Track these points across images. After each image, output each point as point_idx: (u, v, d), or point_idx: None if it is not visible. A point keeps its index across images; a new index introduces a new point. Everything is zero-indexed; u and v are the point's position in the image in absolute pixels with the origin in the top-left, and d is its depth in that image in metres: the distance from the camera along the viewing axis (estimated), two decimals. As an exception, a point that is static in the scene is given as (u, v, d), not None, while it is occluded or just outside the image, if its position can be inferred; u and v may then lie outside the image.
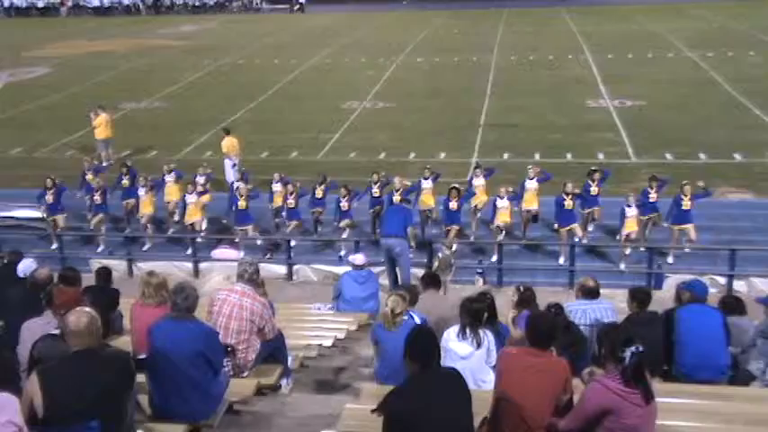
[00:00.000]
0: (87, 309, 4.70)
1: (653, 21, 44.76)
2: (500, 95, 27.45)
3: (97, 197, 15.52)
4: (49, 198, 15.40)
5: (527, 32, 43.00)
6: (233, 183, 16.69)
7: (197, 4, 65.19)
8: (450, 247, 12.59)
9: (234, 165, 17.84)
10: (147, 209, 15.55)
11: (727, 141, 20.50)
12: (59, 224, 15.60)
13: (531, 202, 14.63)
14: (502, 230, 14.34)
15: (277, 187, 15.48)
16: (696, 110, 24.19)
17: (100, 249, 15.54)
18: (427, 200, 15.05)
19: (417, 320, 6.96)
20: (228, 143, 18.08)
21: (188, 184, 15.49)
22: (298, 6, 62.22)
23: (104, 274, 8.86)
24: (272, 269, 14.03)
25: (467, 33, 44.13)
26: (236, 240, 15.14)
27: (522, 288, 7.63)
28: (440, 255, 12.57)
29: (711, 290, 9.50)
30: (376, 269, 12.49)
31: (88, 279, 8.79)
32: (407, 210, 13.20)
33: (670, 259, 13.92)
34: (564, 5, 53.43)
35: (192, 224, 15.34)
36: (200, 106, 27.75)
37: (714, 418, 5.79)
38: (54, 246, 15.46)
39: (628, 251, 13.86)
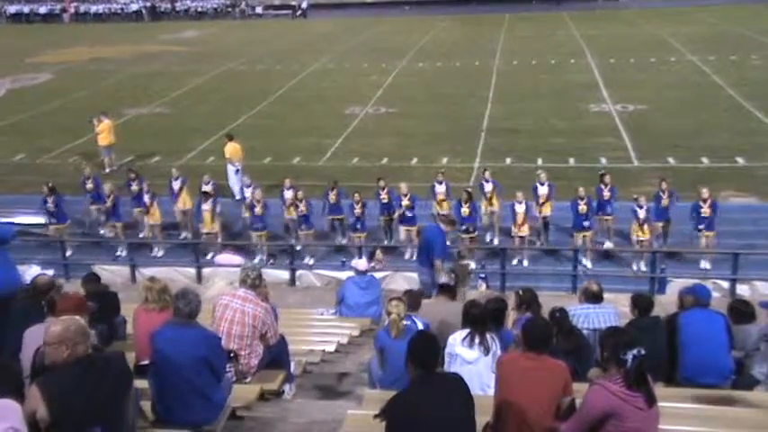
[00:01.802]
0: (75, 317, 4.69)
1: (655, 25, 44.80)
2: (502, 100, 27.47)
3: (109, 203, 15.60)
4: (51, 206, 15.44)
5: (529, 37, 43.04)
6: (242, 188, 16.78)
7: (199, 10, 65.48)
8: (464, 258, 12.36)
9: (237, 170, 17.86)
10: (153, 218, 15.62)
11: (730, 145, 20.48)
12: (61, 232, 15.61)
13: (546, 207, 14.64)
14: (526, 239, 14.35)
15: (288, 194, 15.35)
16: (698, 114, 24.14)
17: (120, 253, 15.60)
18: (441, 205, 14.97)
19: (420, 325, 6.96)
20: (231, 149, 18.09)
21: (202, 194, 15.32)
22: (300, 12, 62.45)
23: (94, 278, 8.89)
24: (276, 275, 14.01)
25: (469, 38, 44.18)
26: (243, 246, 15.11)
27: (520, 292, 7.61)
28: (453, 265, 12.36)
29: (715, 294, 9.49)
30: (378, 275, 12.48)
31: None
32: (437, 234, 11.24)
33: (706, 264, 13.73)
34: (566, 10, 53.50)
35: (208, 233, 15.25)
36: (202, 112, 27.80)
37: (717, 423, 5.77)
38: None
39: (642, 261, 13.80)
